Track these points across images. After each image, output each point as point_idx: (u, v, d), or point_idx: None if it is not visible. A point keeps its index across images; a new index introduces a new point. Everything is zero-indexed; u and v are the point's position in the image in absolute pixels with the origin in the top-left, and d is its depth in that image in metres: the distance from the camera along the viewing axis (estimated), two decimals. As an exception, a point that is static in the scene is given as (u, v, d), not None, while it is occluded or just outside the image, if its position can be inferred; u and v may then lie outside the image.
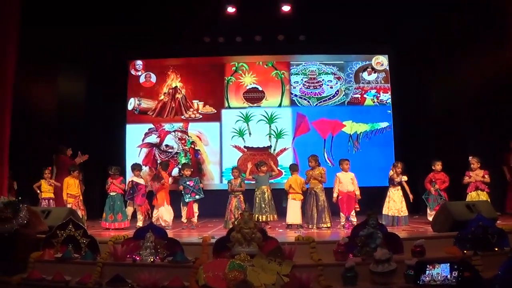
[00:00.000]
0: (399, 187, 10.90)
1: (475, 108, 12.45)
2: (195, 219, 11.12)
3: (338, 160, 11.40)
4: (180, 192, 11.19)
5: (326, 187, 10.89)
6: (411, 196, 10.99)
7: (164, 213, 11.04)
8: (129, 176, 12.14)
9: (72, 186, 11.12)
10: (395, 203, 10.74)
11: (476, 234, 7.38)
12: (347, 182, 10.86)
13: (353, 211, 10.73)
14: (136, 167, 11.62)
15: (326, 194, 10.73)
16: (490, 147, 11.87)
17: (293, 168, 11.37)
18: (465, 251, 7.17)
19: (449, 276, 6.14)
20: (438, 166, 11.35)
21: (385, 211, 10.78)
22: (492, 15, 11.15)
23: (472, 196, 10.77)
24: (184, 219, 11.13)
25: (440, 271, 6.18)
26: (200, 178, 12.52)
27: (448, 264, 6.12)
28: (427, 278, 6.15)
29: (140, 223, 10.88)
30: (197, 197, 11.09)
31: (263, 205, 10.79)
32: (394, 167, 10.98)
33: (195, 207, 11.16)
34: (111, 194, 11.00)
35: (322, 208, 10.54)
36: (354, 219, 10.56)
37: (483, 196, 10.65)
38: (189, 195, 11.06)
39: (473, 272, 6.34)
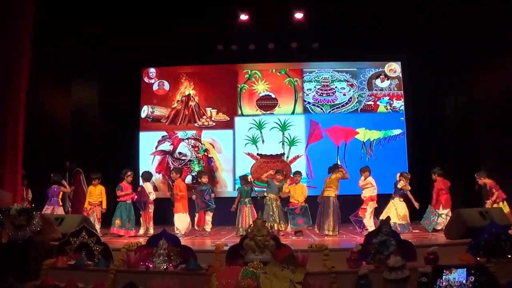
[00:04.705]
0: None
1: (488, 116, 12.33)
2: (208, 227, 11.07)
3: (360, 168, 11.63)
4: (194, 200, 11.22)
5: (340, 194, 11.01)
6: (416, 204, 11.07)
7: (176, 221, 10.99)
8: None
9: (93, 194, 11.32)
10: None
11: (489, 241, 7.34)
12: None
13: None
14: (143, 175, 11.80)
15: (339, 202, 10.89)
16: (503, 158, 11.67)
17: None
18: (478, 258, 7.12)
19: (465, 281, 6.14)
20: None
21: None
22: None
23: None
24: (196, 227, 11.16)
25: (457, 276, 6.19)
26: (213, 185, 12.50)
27: (465, 269, 6.12)
28: (444, 283, 6.15)
29: (141, 231, 11.03)
30: (207, 208, 11.08)
31: (271, 213, 10.84)
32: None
33: (208, 216, 11.11)
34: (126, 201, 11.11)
35: (329, 215, 10.62)
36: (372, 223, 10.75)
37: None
38: (199, 206, 11.07)
39: (489, 278, 6.33)
